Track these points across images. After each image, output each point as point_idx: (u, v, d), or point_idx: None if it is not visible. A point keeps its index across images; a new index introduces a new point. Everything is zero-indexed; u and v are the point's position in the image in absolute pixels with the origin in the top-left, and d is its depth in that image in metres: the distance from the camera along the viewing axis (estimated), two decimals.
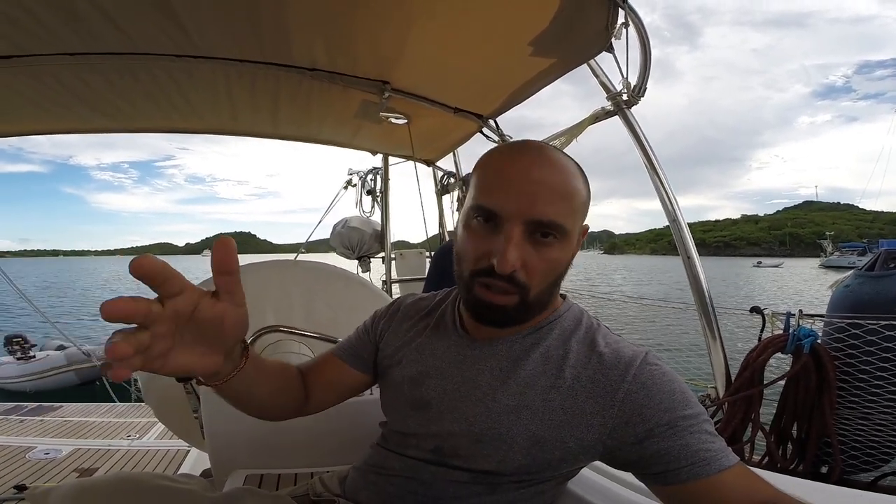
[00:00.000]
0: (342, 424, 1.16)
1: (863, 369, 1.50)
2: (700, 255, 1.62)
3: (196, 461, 2.29)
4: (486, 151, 0.66)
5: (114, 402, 3.71)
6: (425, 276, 3.06)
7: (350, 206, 3.28)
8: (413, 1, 1.27)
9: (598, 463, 0.68)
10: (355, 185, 3.26)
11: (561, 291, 0.72)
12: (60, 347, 7.02)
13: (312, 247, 3.71)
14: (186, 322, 0.45)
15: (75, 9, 1.14)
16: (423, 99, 1.96)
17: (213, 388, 0.59)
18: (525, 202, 0.58)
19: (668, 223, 1.63)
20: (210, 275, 0.46)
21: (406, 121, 2.20)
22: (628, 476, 0.85)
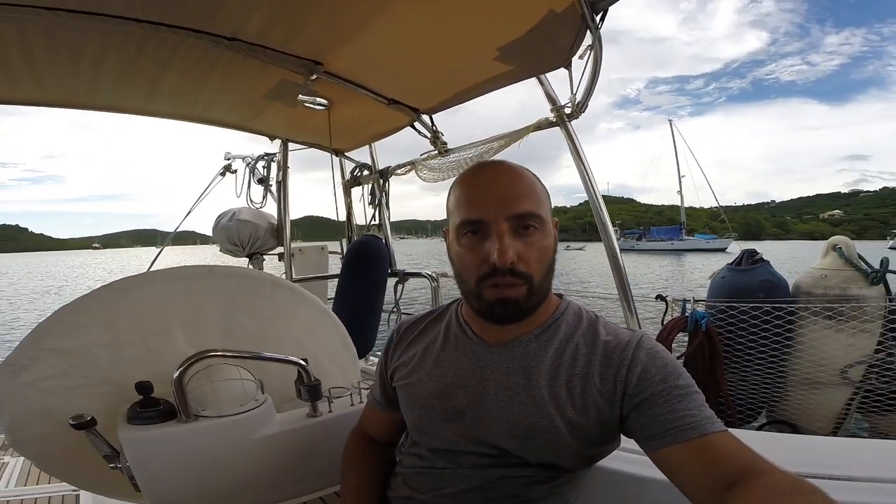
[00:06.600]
0: (294, 452, 1.09)
1: (738, 341, 1.97)
2: None
3: None
4: (452, 182, 0.77)
5: None
6: (329, 274, 2.82)
7: (228, 196, 2.80)
8: None
9: (623, 447, 0.74)
10: (234, 172, 2.78)
11: (557, 291, 0.80)
12: None
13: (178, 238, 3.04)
14: None
15: None
16: (357, 85, 1.77)
17: None
18: (502, 203, 0.68)
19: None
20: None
21: (324, 107, 1.97)
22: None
